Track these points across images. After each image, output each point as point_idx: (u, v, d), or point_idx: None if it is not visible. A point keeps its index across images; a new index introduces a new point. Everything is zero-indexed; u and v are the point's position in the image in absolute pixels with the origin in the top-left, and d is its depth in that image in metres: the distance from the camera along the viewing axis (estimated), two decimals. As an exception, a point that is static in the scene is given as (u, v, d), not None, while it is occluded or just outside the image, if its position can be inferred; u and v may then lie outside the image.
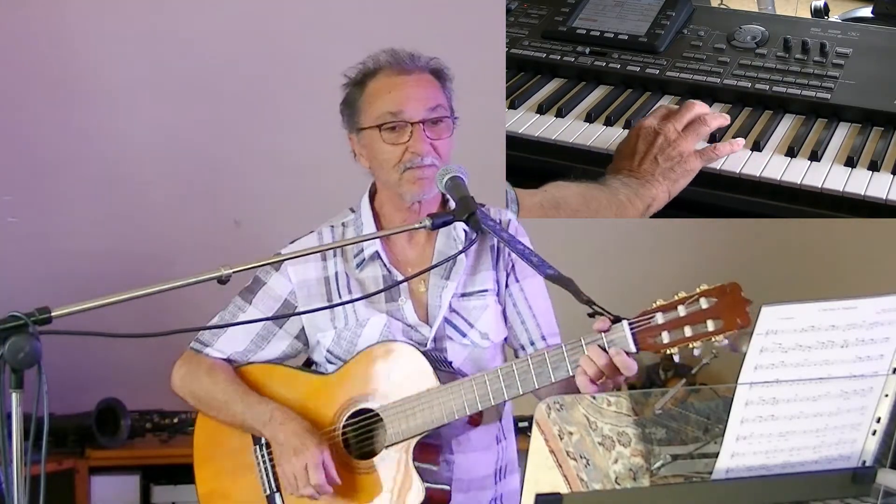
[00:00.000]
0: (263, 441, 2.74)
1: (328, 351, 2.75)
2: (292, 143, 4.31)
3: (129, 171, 4.29)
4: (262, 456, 2.75)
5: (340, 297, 2.73)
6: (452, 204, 2.62)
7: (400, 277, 2.71)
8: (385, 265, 2.73)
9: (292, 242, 2.80)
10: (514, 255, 2.70)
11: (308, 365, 2.85)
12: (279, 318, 2.77)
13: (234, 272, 2.18)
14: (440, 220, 2.46)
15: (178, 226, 4.29)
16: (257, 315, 2.77)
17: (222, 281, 2.17)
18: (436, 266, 2.69)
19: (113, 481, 3.93)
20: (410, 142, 2.66)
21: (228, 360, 2.81)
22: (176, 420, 4.03)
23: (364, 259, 2.74)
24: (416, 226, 2.48)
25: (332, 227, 2.82)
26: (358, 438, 2.68)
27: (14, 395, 1.93)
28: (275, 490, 2.72)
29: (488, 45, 3.98)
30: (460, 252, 2.59)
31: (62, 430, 3.88)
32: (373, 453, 2.65)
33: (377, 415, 2.64)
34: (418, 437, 2.59)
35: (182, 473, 3.94)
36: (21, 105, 4.24)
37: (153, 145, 4.31)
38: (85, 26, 4.26)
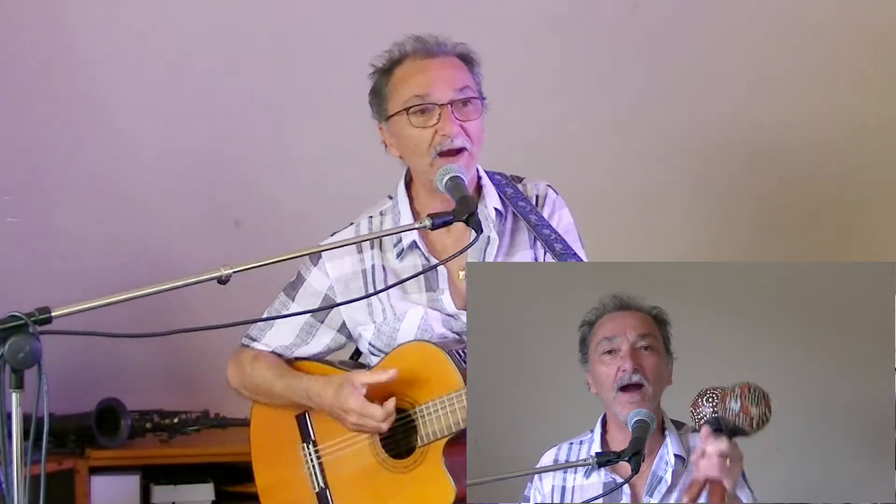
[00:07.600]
0: (312, 438, 2.78)
1: (370, 344, 2.78)
2: (293, 142, 4.30)
3: (129, 170, 4.28)
4: (310, 454, 2.79)
5: (377, 289, 2.73)
6: (486, 190, 2.69)
7: (440, 267, 2.70)
8: (424, 255, 2.73)
9: (332, 235, 2.82)
10: (558, 228, 2.69)
11: (356, 355, 2.88)
12: (312, 310, 2.78)
13: (234, 272, 2.18)
14: (440, 221, 2.44)
15: (179, 226, 4.28)
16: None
17: (222, 281, 2.17)
18: (444, 262, 2.65)
19: (113, 481, 3.91)
20: (439, 124, 2.64)
21: (275, 354, 2.85)
22: (176, 420, 4.02)
23: (403, 249, 2.74)
24: (417, 225, 2.48)
25: (371, 217, 2.82)
26: (394, 439, 2.70)
27: (14, 395, 1.93)
28: (324, 487, 2.76)
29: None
30: (460, 252, 2.53)
31: (62, 430, 3.86)
32: (409, 453, 2.68)
33: (409, 415, 2.67)
34: (447, 438, 2.61)
35: (182, 473, 3.94)
36: (21, 105, 4.23)
37: (153, 145, 4.29)
38: (86, 26, 4.25)
